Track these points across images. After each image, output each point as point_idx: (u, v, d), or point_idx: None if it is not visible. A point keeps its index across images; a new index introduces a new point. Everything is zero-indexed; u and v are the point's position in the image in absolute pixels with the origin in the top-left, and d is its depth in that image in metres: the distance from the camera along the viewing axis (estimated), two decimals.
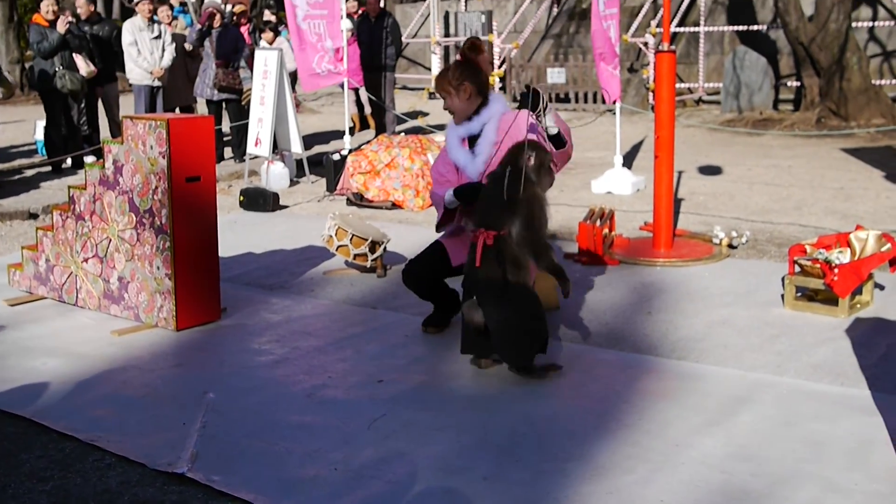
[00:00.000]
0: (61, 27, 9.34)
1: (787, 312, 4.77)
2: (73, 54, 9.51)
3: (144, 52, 9.94)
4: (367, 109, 12.90)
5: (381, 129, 11.83)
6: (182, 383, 3.99)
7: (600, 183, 8.39)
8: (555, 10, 18.31)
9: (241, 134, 10.09)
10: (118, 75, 10.83)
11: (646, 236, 6.35)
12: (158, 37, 10.05)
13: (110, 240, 4.81)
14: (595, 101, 14.91)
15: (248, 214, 7.83)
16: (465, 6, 19.59)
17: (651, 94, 13.94)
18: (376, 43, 11.75)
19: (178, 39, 10.57)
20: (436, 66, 17.79)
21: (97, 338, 4.58)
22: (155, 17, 10.15)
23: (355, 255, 5.57)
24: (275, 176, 8.94)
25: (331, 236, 5.60)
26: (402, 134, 10.61)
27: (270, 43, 11.29)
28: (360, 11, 13.21)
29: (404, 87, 18.65)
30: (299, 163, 9.48)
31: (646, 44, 15.29)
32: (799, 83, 13.53)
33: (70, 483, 3.12)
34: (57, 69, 9.34)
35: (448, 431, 3.42)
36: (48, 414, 3.65)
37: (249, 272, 5.83)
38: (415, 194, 7.84)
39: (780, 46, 14.79)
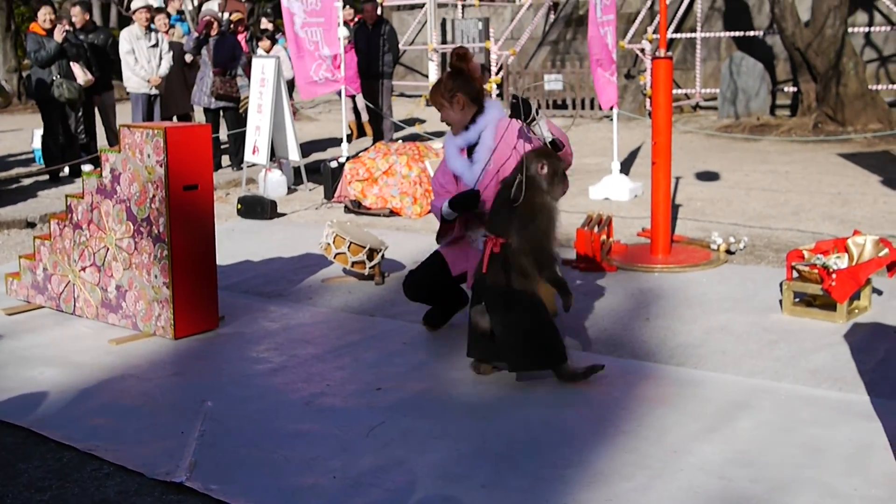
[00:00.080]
0: (58, 36, 9.35)
1: (785, 318, 4.78)
2: (71, 63, 9.52)
3: (142, 61, 9.95)
4: (365, 117, 12.91)
5: (378, 137, 11.84)
6: (180, 392, 3.98)
7: (598, 189, 8.40)
8: (551, 16, 18.35)
9: (238, 142, 10.10)
10: (115, 83, 10.84)
11: (644, 242, 6.35)
12: (156, 45, 10.06)
13: (108, 248, 4.81)
14: (592, 107, 14.93)
15: (246, 222, 7.83)
16: (462, 13, 19.62)
17: (648, 100, 13.97)
18: (374, 50, 11.77)
19: (175, 48, 10.58)
20: (433, 73, 17.82)
21: (95, 347, 4.58)
22: (152, 26, 10.16)
23: (353, 263, 5.57)
24: (272, 184, 8.94)
25: (328, 244, 5.60)
26: (400, 141, 10.60)
27: (267, 51, 11.30)
28: (356, 19, 13.22)
29: (402, 95, 18.67)
30: (297, 170, 9.49)
31: (643, 50, 15.33)
32: (796, 89, 13.56)
33: (68, 493, 3.11)
34: (54, 78, 9.35)
35: (447, 439, 3.41)
36: (46, 423, 3.65)
37: (247, 280, 5.83)
38: (412, 201, 7.84)
39: (776, 52, 14.83)
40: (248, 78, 9.60)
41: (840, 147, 11.01)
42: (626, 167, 9.55)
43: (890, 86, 14.09)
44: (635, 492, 2.99)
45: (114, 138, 10.32)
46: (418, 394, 3.88)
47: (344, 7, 10.30)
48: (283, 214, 8.12)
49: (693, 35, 15.67)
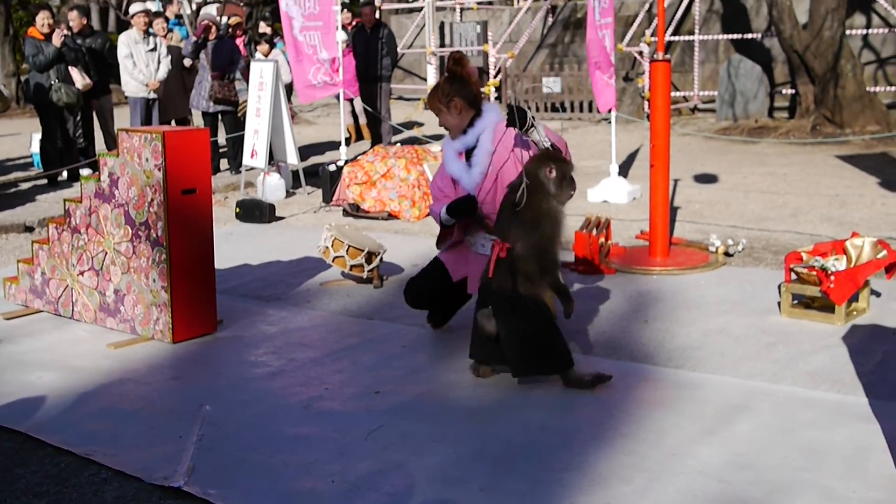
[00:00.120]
0: (57, 41, 9.35)
1: (783, 320, 4.78)
2: (69, 67, 9.53)
3: (140, 65, 9.95)
4: (363, 120, 12.92)
5: (376, 140, 11.84)
6: (178, 396, 3.98)
7: (596, 192, 8.40)
8: (550, 19, 18.36)
9: (237, 146, 10.11)
10: (112, 87, 10.84)
11: (642, 245, 6.35)
12: (154, 49, 10.07)
13: (106, 252, 4.81)
14: (591, 110, 14.94)
15: (245, 226, 7.83)
16: (461, 16, 19.63)
17: (646, 102, 13.97)
18: (372, 54, 11.78)
19: (173, 52, 10.58)
20: (431, 76, 17.82)
21: (93, 351, 4.57)
22: (150, 30, 10.17)
23: (352, 266, 5.56)
24: (271, 187, 8.95)
25: (327, 247, 5.60)
26: (398, 144, 10.61)
27: (266, 55, 11.31)
28: (354, 23, 13.23)
29: (400, 98, 18.68)
30: (295, 174, 9.49)
31: (641, 53, 15.34)
32: (794, 91, 13.57)
33: (66, 498, 3.10)
34: (53, 82, 9.35)
35: (445, 442, 3.41)
36: (44, 428, 3.64)
37: (246, 284, 5.83)
38: (411, 205, 7.84)
39: (774, 54, 14.84)
40: (247, 82, 9.60)
41: (838, 149, 11.02)
42: (624, 170, 9.56)
43: (888, 88, 14.09)
44: (634, 495, 2.99)
45: (112, 142, 10.33)
46: (417, 397, 3.88)
47: (342, 11, 10.31)
48: (282, 218, 8.12)
49: (691, 38, 15.68)
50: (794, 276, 4.88)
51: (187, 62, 10.77)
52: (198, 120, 11.37)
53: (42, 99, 9.45)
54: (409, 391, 3.94)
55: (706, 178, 9.27)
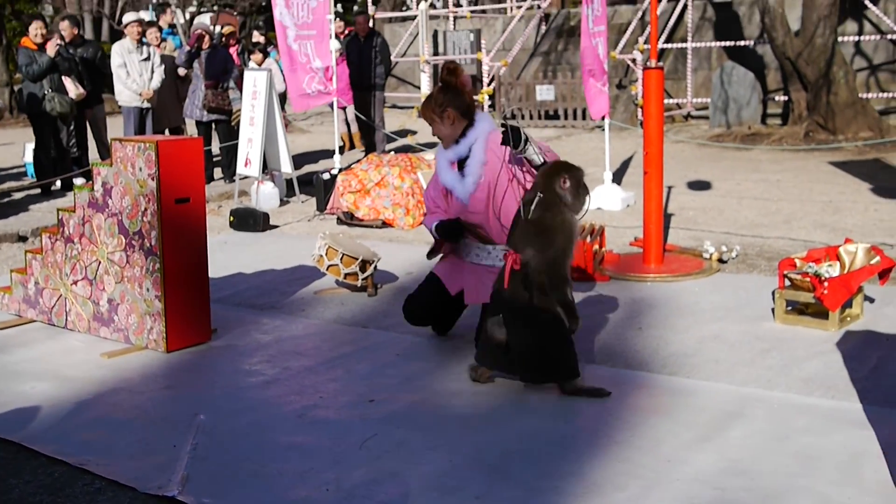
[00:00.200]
0: (51, 50, 9.35)
1: (777, 326, 4.78)
2: (63, 77, 9.52)
3: (133, 74, 9.95)
4: (354, 129, 12.93)
5: (370, 148, 11.85)
6: (172, 405, 3.97)
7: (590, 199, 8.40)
8: (543, 27, 18.41)
9: (230, 154, 10.10)
10: (105, 97, 10.83)
11: (636, 252, 6.36)
12: (147, 59, 10.07)
13: (100, 262, 4.80)
14: (584, 117, 14.97)
15: (239, 235, 7.82)
16: (454, 25, 19.68)
17: (640, 110, 14.00)
18: (366, 62, 11.79)
19: (167, 61, 10.59)
20: (425, 84, 17.84)
21: (87, 360, 4.56)
22: (144, 39, 10.17)
23: (346, 275, 5.56)
24: (265, 196, 8.94)
25: (321, 256, 5.59)
26: (392, 152, 10.62)
27: (259, 64, 11.32)
28: (346, 31, 13.26)
29: (394, 106, 18.70)
30: (289, 182, 9.49)
31: (634, 60, 15.38)
32: (786, 97, 13.61)
33: None
34: (46, 92, 9.34)
35: (440, 450, 3.40)
36: (37, 438, 3.63)
37: (240, 292, 5.82)
38: (405, 212, 7.85)
39: (767, 61, 14.89)
40: (240, 91, 9.60)
41: (831, 155, 11.06)
42: (618, 177, 9.57)
43: (880, 94, 14.15)
44: (629, 502, 2.98)
45: (105, 151, 10.31)
46: (411, 405, 3.87)
47: (335, 20, 10.33)
48: (276, 226, 8.11)
49: (684, 45, 15.73)
50: (787, 283, 4.89)
51: (181, 71, 10.77)
52: (191, 129, 11.36)
53: (35, 108, 9.44)
54: (404, 399, 3.94)
55: (700, 185, 9.29)
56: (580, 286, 5.64)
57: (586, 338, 4.69)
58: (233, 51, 11.02)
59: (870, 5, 14.33)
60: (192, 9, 24.71)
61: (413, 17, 19.73)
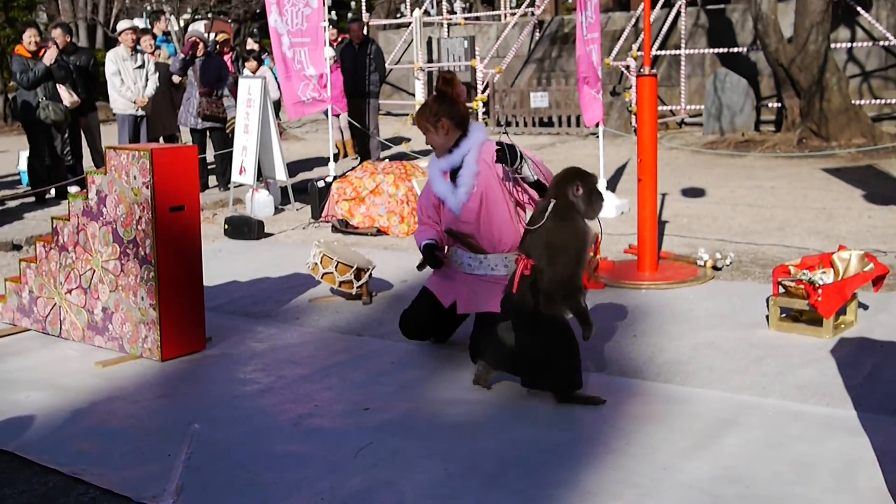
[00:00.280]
0: (51, 58, 9.35)
1: (771, 333, 4.79)
2: (57, 85, 9.51)
3: (128, 82, 9.95)
4: (347, 136, 12.94)
5: (364, 156, 11.86)
6: (167, 414, 3.96)
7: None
8: (537, 34, 18.45)
9: (225, 162, 10.10)
10: (99, 104, 10.82)
11: (630, 259, 6.37)
12: (142, 66, 10.07)
13: (94, 270, 4.79)
14: (578, 124, 15.00)
15: (233, 243, 7.81)
16: (448, 32, 19.71)
17: (633, 117, 14.04)
18: (360, 70, 11.81)
19: (161, 69, 10.59)
20: (419, 91, 17.87)
21: (81, 369, 4.55)
22: (138, 47, 10.17)
23: (340, 283, 5.56)
24: (259, 204, 8.94)
25: (316, 264, 5.59)
26: (387, 160, 10.64)
27: (254, 71, 11.33)
28: (339, 39, 13.27)
29: (388, 114, 18.72)
30: (284, 190, 9.49)
31: (627, 67, 15.42)
32: (780, 104, 13.66)
33: None
34: (40, 100, 9.34)
35: (435, 459, 3.40)
36: (31, 448, 3.62)
37: (234, 301, 5.82)
38: (400, 220, 7.85)
39: (760, 68, 14.94)
40: (235, 98, 9.61)
41: (824, 162, 11.09)
42: (612, 184, 9.59)
43: (873, 101, 14.21)
44: None
45: (99, 159, 10.31)
46: (406, 414, 3.87)
47: (329, 27, 10.33)
48: (271, 234, 8.11)
49: (677, 52, 15.78)
50: (781, 290, 4.90)
51: (175, 79, 10.77)
52: (186, 136, 11.36)
53: (29, 116, 9.44)
54: (399, 408, 3.94)
55: (694, 192, 9.30)
56: None
57: (581, 345, 4.68)
58: (227, 58, 11.04)
59: (862, 12, 14.40)
60: (187, 16, 24.74)
61: (407, 25, 19.77)
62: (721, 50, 15.32)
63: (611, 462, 3.33)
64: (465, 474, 3.27)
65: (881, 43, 14.39)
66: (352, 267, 5.54)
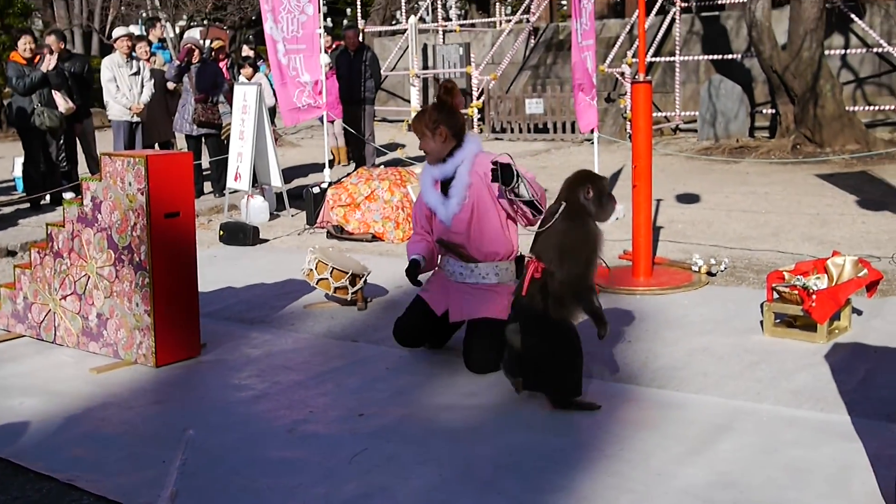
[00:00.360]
0: (50, 65, 9.35)
1: (766, 339, 4.80)
2: (52, 91, 9.51)
3: (123, 89, 9.95)
4: (340, 142, 12.95)
5: (359, 162, 11.87)
6: (162, 420, 3.96)
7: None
8: (532, 41, 18.49)
9: (220, 168, 10.10)
10: (94, 111, 10.82)
11: (625, 265, 6.38)
12: (137, 73, 10.07)
13: (89, 277, 4.79)
14: (573, 130, 15.03)
15: (228, 249, 7.81)
16: (444, 39, 19.74)
17: (628, 123, 14.06)
18: (356, 76, 11.82)
19: (156, 75, 10.59)
20: (415, 98, 17.89)
21: (76, 376, 4.55)
22: (134, 54, 10.17)
23: (336, 289, 5.56)
24: (255, 210, 8.94)
25: (311, 270, 5.59)
26: (382, 166, 10.64)
27: (249, 78, 11.33)
28: (334, 45, 13.29)
29: (384, 120, 18.73)
30: (279, 196, 9.49)
31: (622, 74, 15.45)
32: (774, 111, 13.69)
33: None
34: (35, 106, 9.33)
35: (430, 465, 3.40)
36: (25, 454, 3.61)
37: (229, 307, 5.81)
38: (395, 226, 7.86)
39: (754, 75, 14.98)
40: (230, 105, 9.61)
41: (818, 168, 11.11)
42: None
43: (866, 107, 14.25)
44: None
45: (94, 165, 10.30)
46: (401, 419, 3.87)
47: (324, 34, 10.35)
48: (266, 240, 8.11)
49: (672, 59, 15.81)
50: (776, 296, 4.91)
51: (171, 86, 10.78)
52: (181, 143, 11.36)
53: (24, 123, 9.43)
54: (394, 413, 3.94)
55: (688, 198, 9.32)
56: None
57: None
58: (222, 65, 11.03)
59: (856, 19, 14.45)
60: (182, 23, 24.75)
61: (403, 31, 19.79)
62: (715, 57, 15.36)
63: (605, 468, 3.33)
64: (460, 480, 3.27)
65: (875, 50, 14.44)
66: (347, 273, 5.54)
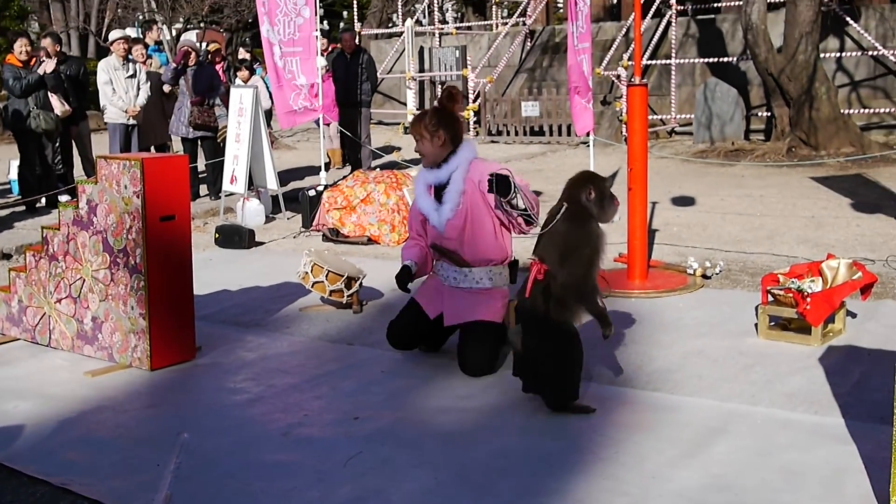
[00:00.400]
0: (50, 68, 9.35)
1: (760, 342, 4.81)
2: (48, 94, 9.51)
3: (119, 91, 9.95)
4: (335, 145, 12.96)
5: (356, 165, 11.87)
6: (156, 424, 3.95)
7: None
8: (528, 44, 18.51)
9: (216, 171, 10.10)
10: (90, 113, 10.81)
11: (620, 268, 6.38)
12: (133, 76, 10.07)
13: (84, 280, 4.78)
14: (569, 133, 15.05)
15: (224, 252, 7.81)
16: (440, 42, 19.75)
17: (624, 126, 14.08)
18: (352, 79, 11.83)
19: (153, 78, 10.59)
20: (411, 101, 17.91)
21: (70, 379, 4.54)
22: (130, 56, 10.17)
23: (331, 292, 5.56)
24: (250, 213, 8.94)
25: (306, 273, 5.59)
26: (378, 169, 10.65)
27: (246, 81, 11.33)
28: (330, 48, 13.30)
29: (380, 123, 18.73)
30: (275, 199, 9.48)
31: (618, 76, 15.47)
32: (769, 113, 13.71)
33: None
34: (31, 109, 9.33)
35: (425, 468, 3.40)
36: (19, 458, 3.61)
37: (225, 310, 5.81)
38: (390, 229, 7.86)
39: (750, 77, 15.01)
40: (227, 108, 9.61)
41: (813, 171, 11.13)
42: None
43: (862, 110, 14.27)
44: None
45: (90, 168, 10.29)
46: (396, 423, 3.87)
47: (320, 37, 10.35)
48: (261, 243, 8.10)
49: (668, 61, 15.84)
50: (770, 298, 4.92)
51: (167, 88, 10.78)
52: (177, 146, 11.35)
53: (20, 125, 9.42)
54: (389, 416, 3.94)
55: (684, 201, 9.33)
56: None
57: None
58: (219, 68, 11.04)
59: (851, 22, 14.49)
60: (179, 26, 24.74)
61: (399, 34, 19.81)
62: (711, 59, 15.39)
63: (600, 471, 3.33)
64: (455, 483, 3.27)
65: (870, 53, 14.48)
66: (342, 276, 5.54)
